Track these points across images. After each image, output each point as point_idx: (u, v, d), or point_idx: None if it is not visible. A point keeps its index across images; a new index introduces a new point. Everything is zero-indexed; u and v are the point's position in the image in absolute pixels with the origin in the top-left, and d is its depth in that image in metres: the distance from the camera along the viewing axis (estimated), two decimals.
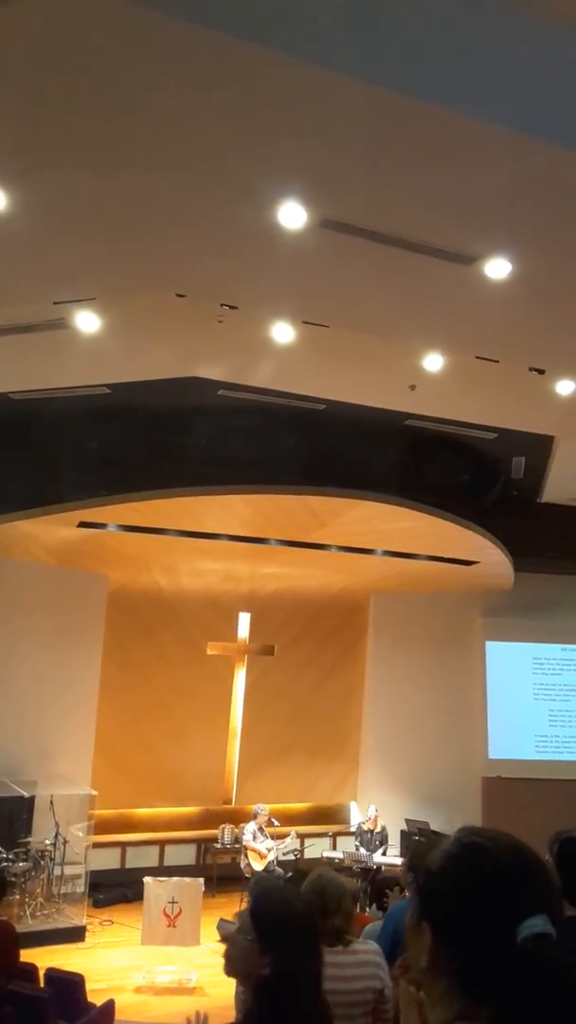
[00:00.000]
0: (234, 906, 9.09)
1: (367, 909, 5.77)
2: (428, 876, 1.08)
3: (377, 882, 4.94)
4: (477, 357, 6.97)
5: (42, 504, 8.47)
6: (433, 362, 7.29)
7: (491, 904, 1.00)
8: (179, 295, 6.18)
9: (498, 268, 5.12)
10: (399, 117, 3.82)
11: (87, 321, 6.62)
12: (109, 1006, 5.03)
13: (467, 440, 10.10)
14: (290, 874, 7.66)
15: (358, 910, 4.87)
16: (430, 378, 7.57)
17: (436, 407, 8.82)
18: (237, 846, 10.05)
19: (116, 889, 9.80)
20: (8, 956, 4.67)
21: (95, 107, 3.88)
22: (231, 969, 1.89)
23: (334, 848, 11.05)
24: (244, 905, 6.85)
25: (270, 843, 9.45)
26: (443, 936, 1.03)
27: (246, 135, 4.06)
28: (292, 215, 4.66)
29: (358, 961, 2.66)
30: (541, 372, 7.17)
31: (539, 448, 10.21)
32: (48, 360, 7.60)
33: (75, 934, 8.38)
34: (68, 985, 5.08)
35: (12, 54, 3.55)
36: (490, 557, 10.24)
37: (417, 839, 10.17)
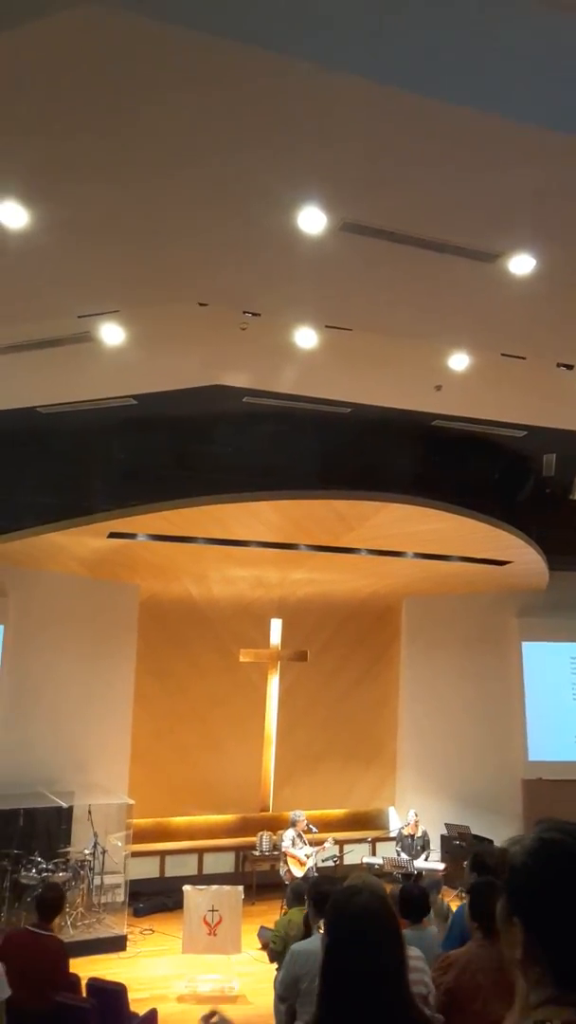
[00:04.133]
0: (274, 913, 9.04)
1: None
2: (512, 872, 1.16)
3: (403, 890, 4.61)
4: (503, 355, 6.89)
5: (72, 516, 8.55)
6: (459, 361, 7.22)
7: (573, 895, 1.08)
8: (201, 304, 6.19)
9: (522, 264, 5.06)
10: (417, 118, 3.78)
11: (112, 333, 6.66)
12: (152, 1015, 5.03)
13: (496, 439, 10.00)
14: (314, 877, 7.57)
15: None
16: (456, 377, 7.49)
17: (463, 406, 8.73)
18: (275, 853, 10.03)
19: (156, 898, 9.82)
20: (56, 972, 4.69)
21: (112, 121, 3.91)
22: None
23: (373, 854, 10.97)
24: (284, 912, 6.75)
25: (309, 849, 9.40)
26: (532, 928, 1.11)
27: (264, 142, 4.06)
28: (312, 220, 4.64)
29: None
30: (569, 367, 7.07)
31: (570, 444, 10.06)
32: (74, 373, 7.67)
33: (116, 943, 8.42)
34: (111, 995, 5.09)
35: (29, 73, 3.59)
36: (523, 556, 10.12)
37: (458, 843, 10.06)
